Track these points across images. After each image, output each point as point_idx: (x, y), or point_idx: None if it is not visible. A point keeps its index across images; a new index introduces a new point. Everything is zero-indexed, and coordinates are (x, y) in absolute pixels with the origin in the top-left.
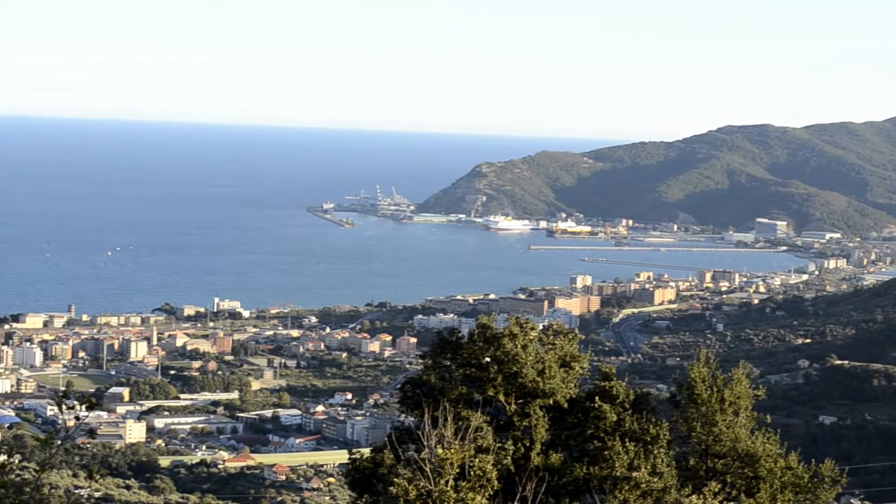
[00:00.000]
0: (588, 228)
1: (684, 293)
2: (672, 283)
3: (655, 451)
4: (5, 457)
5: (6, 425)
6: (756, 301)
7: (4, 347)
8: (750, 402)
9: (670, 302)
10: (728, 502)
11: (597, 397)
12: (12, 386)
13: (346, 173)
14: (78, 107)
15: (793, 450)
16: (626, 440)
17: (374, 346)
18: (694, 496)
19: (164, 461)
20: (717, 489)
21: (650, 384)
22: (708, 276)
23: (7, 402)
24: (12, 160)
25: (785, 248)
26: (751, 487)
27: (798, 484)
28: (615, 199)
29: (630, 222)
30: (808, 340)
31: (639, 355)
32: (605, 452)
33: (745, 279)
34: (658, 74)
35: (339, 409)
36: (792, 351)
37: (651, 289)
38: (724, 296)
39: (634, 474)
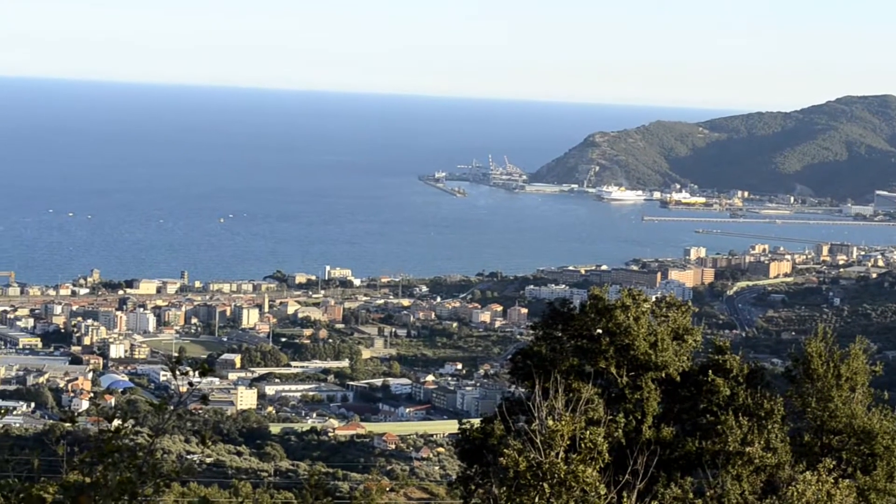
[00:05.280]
0: (703, 200)
1: (800, 266)
2: (788, 256)
3: (769, 427)
4: (120, 421)
5: (120, 390)
6: (874, 275)
7: (119, 313)
8: (867, 377)
9: (786, 275)
10: (843, 479)
11: (710, 371)
12: (126, 351)
13: (459, 142)
14: (181, 74)
15: None
16: (740, 415)
17: (485, 317)
18: (808, 473)
19: (275, 428)
20: (831, 466)
21: (764, 358)
22: (825, 250)
23: (121, 368)
24: (121, 127)
25: None
26: (867, 465)
27: None
28: (731, 170)
29: (746, 194)
30: None
31: (753, 329)
32: (718, 427)
33: (863, 253)
34: (776, 43)
35: (450, 378)
36: None
37: (766, 261)
38: (842, 269)
39: (748, 449)
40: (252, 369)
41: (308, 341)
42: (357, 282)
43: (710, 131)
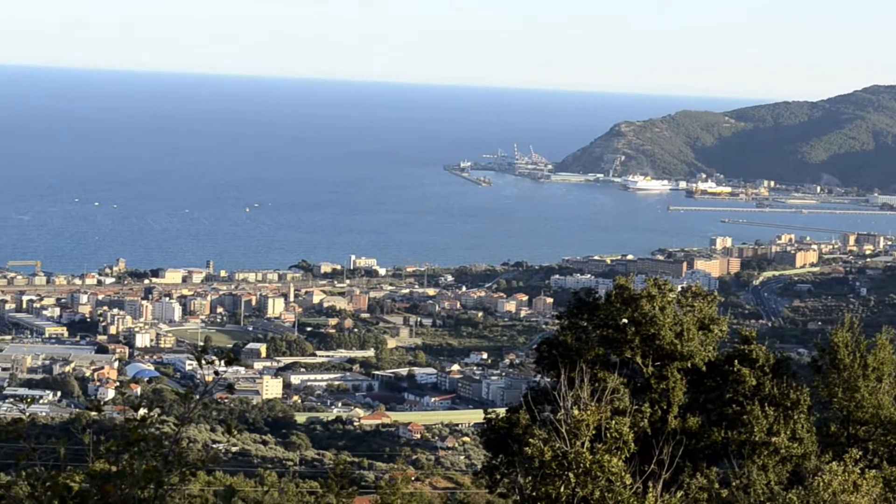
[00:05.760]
0: (728, 189)
1: (827, 256)
2: (814, 246)
3: (795, 417)
4: (145, 410)
5: (146, 379)
6: None
7: (144, 302)
8: (894, 368)
9: (812, 265)
10: (869, 470)
11: (736, 361)
12: (152, 340)
13: (484, 131)
14: (207, 64)
15: None
16: (766, 405)
17: (511, 306)
18: (834, 463)
19: (300, 417)
20: (858, 456)
21: (791, 348)
22: (851, 239)
23: (147, 357)
24: (147, 116)
25: None
26: (893, 455)
27: None
28: (757, 159)
29: (772, 183)
30: None
31: (779, 319)
32: (744, 417)
33: (889, 242)
34: (803, 33)
35: (475, 368)
36: None
37: (792, 251)
38: (868, 259)
39: (774, 439)
40: (277, 359)
41: (333, 331)
42: (382, 271)
43: (737, 121)
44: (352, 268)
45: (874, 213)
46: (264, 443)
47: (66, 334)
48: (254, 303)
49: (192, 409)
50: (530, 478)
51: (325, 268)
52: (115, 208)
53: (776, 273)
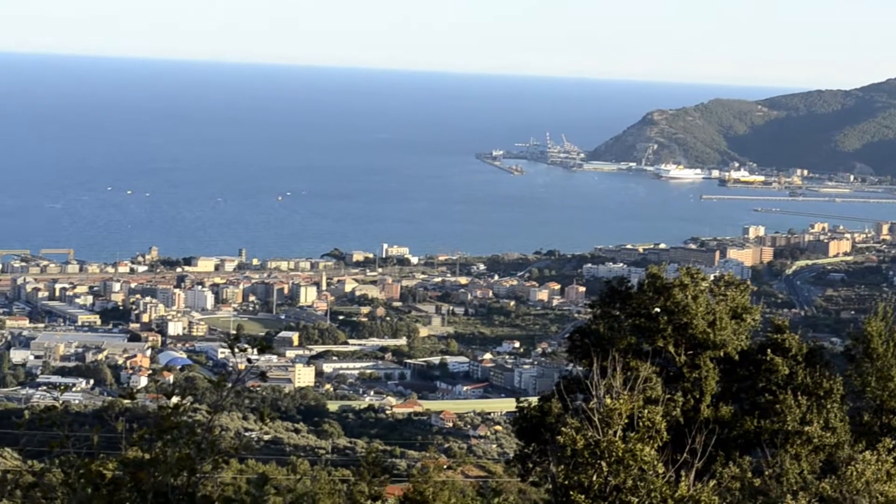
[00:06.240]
0: (761, 178)
1: (860, 245)
2: (847, 235)
3: (828, 406)
4: (178, 398)
5: (178, 367)
6: None
7: (177, 290)
8: None
9: (845, 254)
10: None
11: (769, 350)
12: (184, 328)
13: (516, 120)
14: (237, 52)
15: None
16: (799, 394)
17: (543, 295)
18: (867, 452)
19: (333, 406)
20: (891, 445)
21: (824, 338)
22: (885, 228)
23: (179, 345)
24: (178, 105)
25: None
26: None
27: None
28: (790, 148)
29: (805, 172)
30: None
31: (812, 308)
32: (777, 406)
33: None
34: (835, 21)
35: (507, 357)
36: None
37: (826, 240)
38: None
39: (807, 429)
40: (310, 347)
41: (365, 319)
42: (414, 260)
43: (769, 109)
44: (384, 256)
45: None
46: (297, 431)
47: (98, 322)
48: (286, 291)
49: (225, 397)
50: (562, 466)
51: (357, 256)
52: (148, 196)
53: (809, 262)
